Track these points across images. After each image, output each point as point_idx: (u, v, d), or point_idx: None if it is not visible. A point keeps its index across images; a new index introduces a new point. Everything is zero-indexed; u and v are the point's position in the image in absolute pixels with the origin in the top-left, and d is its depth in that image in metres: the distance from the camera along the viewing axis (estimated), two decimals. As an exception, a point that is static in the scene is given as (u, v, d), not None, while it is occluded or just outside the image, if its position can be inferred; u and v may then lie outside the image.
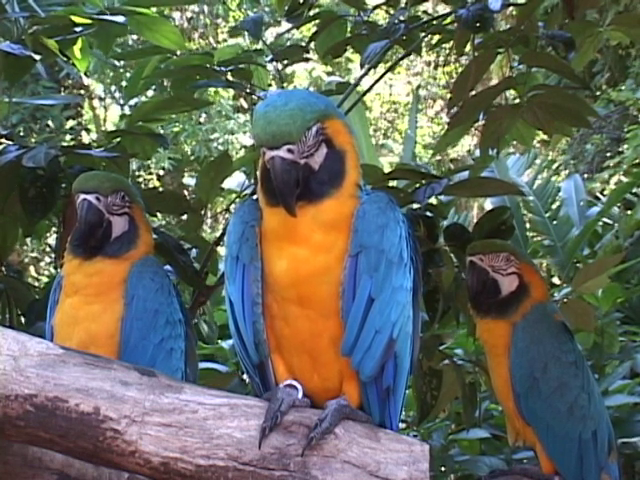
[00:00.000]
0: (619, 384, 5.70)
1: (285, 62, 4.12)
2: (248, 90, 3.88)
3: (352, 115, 6.46)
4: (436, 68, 14.99)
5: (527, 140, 4.08)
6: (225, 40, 13.67)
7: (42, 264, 11.97)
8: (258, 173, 2.12)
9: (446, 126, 4.11)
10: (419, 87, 15.18)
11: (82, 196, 2.59)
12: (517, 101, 3.73)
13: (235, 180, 5.60)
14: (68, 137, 11.88)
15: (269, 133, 1.97)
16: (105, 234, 2.60)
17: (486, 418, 5.59)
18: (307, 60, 4.28)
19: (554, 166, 11.72)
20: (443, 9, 4.67)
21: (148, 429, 1.96)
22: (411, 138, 9.85)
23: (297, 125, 1.97)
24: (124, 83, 11.68)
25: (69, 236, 2.66)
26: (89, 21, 3.65)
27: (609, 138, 11.68)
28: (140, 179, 13.06)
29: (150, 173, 13.55)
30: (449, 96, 4.02)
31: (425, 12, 4.86)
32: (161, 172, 13.50)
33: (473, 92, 3.87)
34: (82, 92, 12.78)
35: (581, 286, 3.75)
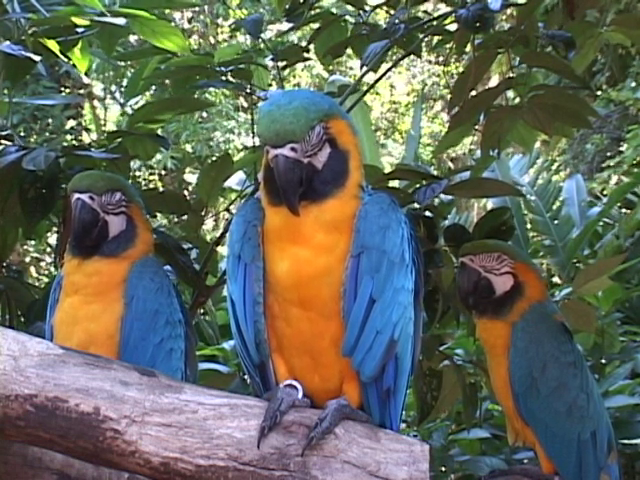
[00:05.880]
0: (620, 385, 5.70)
1: (285, 62, 4.12)
2: (248, 90, 3.88)
3: (355, 114, 6.46)
4: (437, 64, 15.00)
5: (528, 142, 4.07)
6: (225, 40, 13.68)
7: (42, 264, 11.98)
8: (260, 173, 2.12)
9: (446, 126, 4.11)
10: (424, 87, 15.19)
11: (76, 195, 2.59)
12: (517, 101, 3.73)
13: (236, 178, 5.59)
14: (69, 137, 11.88)
15: (273, 131, 1.98)
16: (101, 233, 2.60)
17: (486, 418, 5.59)
18: (307, 60, 4.29)
19: (554, 166, 11.73)
20: (444, 9, 4.66)
21: (148, 429, 1.96)
22: (414, 138, 9.81)
23: (301, 124, 1.98)
24: (124, 83, 11.68)
25: (69, 236, 2.66)
26: (90, 22, 3.65)
27: (609, 138, 11.69)
28: (141, 179, 13.07)
29: (152, 173, 13.56)
30: (449, 96, 4.02)
31: (425, 12, 4.87)
32: (163, 172, 13.51)
33: (473, 92, 3.87)
34: (82, 92, 12.78)
35: (582, 287, 3.74)
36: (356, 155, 2.09)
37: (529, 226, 8.72)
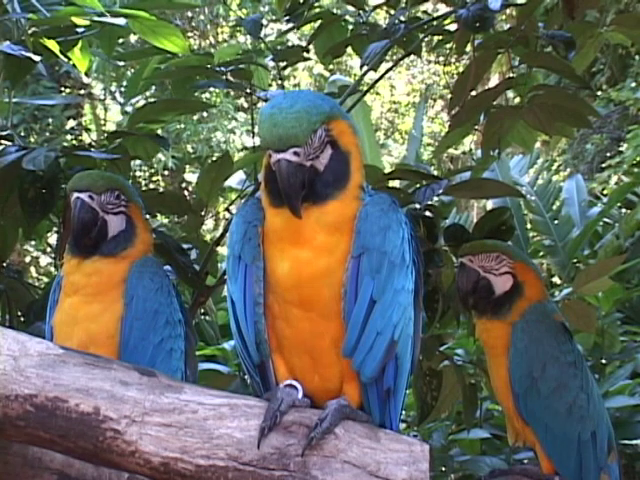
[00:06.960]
0: (620, 385, 5.70)
1: (285, 62, 4.13)
2: (248, 90, 3.88)
3: (355, 114, 6.46)
4: (437, 64, 15.01)
5: (528, 143, 4.07)
6: (225, 40, 13.69)
7: (42, 264, 11.98)
8: (260, 174, 2.12)
9: (446, 126, 4.12)
10: (427, 88, 15.20)
11: (75, 194, 2.58)
12: (517, 101, 3.73)
13: (236, 178, 5.59)
14: (69, 137, 11.88)
15: (275, 136, 1.97)
16: (101, 233, 2.59)
17: (486, 418, 5.59)
18: (307, 60, 4.29)
19: (554, 166, 11.73)
20: (444, 9, 4.67)
21: (148, 429, 1.96)
22: (416, 138, 9.80)
23: (303, 128, 1.97)
24: (125, 82, 11.68)
25: (69, 236, 2.66)
26: (90, 22, 3.65)
27: (609, 138, 11.69)
28: (141, 179, 13.08)
29: (153, 174, 13.56)
30: (449, 96, 4.02)
31: (425, 12, 4.87)
32: (166, 172, 13.52)
33: (473, 92, 3.87)
34: (82, 92, 12.78)
35: (582, 287, 3.74)
36: (357, 155, 2.09)
37: (529, 226, 8.72)
